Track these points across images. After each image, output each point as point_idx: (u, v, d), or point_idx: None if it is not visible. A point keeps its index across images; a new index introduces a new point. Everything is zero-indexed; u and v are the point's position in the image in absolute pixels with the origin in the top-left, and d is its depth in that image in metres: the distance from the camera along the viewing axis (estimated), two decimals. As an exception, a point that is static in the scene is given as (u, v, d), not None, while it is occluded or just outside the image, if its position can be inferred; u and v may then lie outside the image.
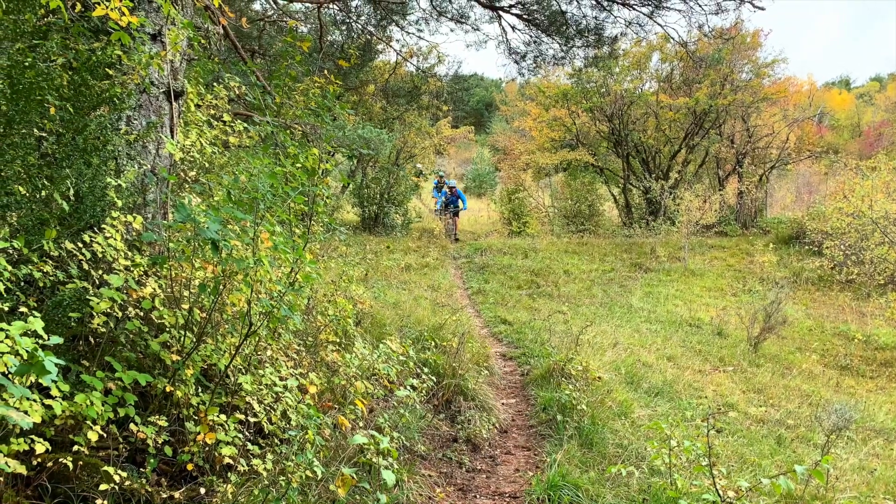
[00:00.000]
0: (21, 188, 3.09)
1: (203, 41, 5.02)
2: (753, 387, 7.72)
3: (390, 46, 14.12)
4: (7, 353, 2.24)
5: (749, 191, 20.20)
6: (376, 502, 2.07)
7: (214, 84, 6.16)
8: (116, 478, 2.61)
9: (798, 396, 7.52)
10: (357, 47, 12.64)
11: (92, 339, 3.13)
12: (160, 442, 2.97)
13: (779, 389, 7.71)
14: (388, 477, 1.74)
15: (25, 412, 2.38)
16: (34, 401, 2.42)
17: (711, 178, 22.40)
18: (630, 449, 4.47)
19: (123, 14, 3.29)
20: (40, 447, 2.46)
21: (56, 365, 2.00)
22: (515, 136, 28.96)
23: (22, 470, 2.38)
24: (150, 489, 2.91)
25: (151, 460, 2.95)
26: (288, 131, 5.21)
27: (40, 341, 2.15)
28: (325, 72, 7.33)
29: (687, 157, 21.62)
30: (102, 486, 2.59)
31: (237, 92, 6.60)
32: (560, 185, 23.84)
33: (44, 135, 3.25)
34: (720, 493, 2.53)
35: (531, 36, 10.61)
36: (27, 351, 2.25)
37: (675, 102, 19.99)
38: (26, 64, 2.92)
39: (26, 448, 2.43)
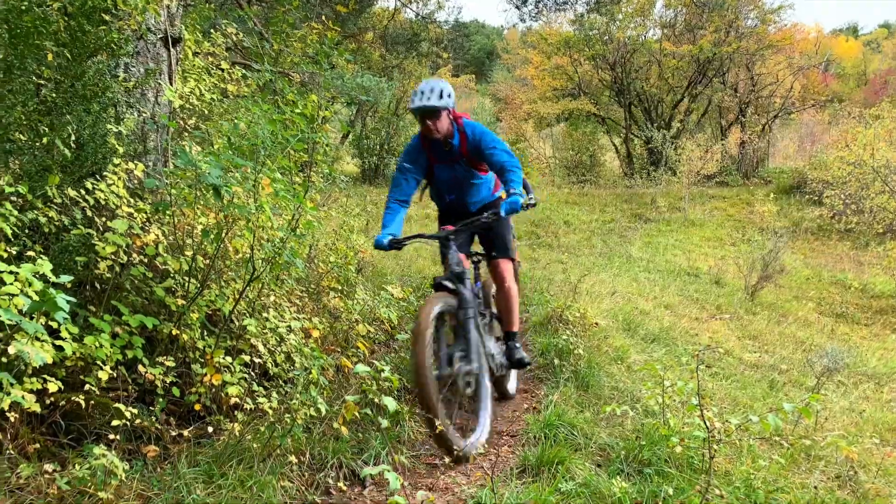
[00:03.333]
0: (22, 135, 3.11)
1: (199, -15, 4.95)
2: (749, 334, 7.84)
3: (389, -8, 13.84)
4: (17, 294, 2.31)
5: (751, 140, 20.05)
6: (377, 430, 2.18)
7: (212, 31, 6.09)
8: (128, 414, 2.71)
9: (792, 343, 7.64)
10: (355, -7, 12.40)
11: (98, 285, 3.20)
12: (168, 382, 3.06)
13: (774, 336, 7.83)
14: (389, 403, 1.83)
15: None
16: (45, 341, 2.50)
17: (714, 127, 22.22)
18: (625, 391, 4.58)
19: (118, -43, 3.25)
20: (53, 386, 2.55)
21: (67, 302, 2.05)
22: (517, 85, 28.60)
23: (36, 408, 2.48)
24: (159, 427, 3.02)
25: (160, 400, 3.05)
26: (286, 79, 5.18)
27: (51, 280, 2.21)
28: (324, 18, 7.23)
29: (689, 106, 21.40)
30: (114, 423, 2.69)
31: (234, 39, 6.52)
32: (561, 135, 23.66)
33: (42, 82, 3.25)
34: (707, 425, 2.63)
35: (532, -20, 10.39)
36: (37, 292, 2.32)
37: (679, 50, 19.68)
38: (23, 8, 2.90)
39: (39, 387, 2.52)
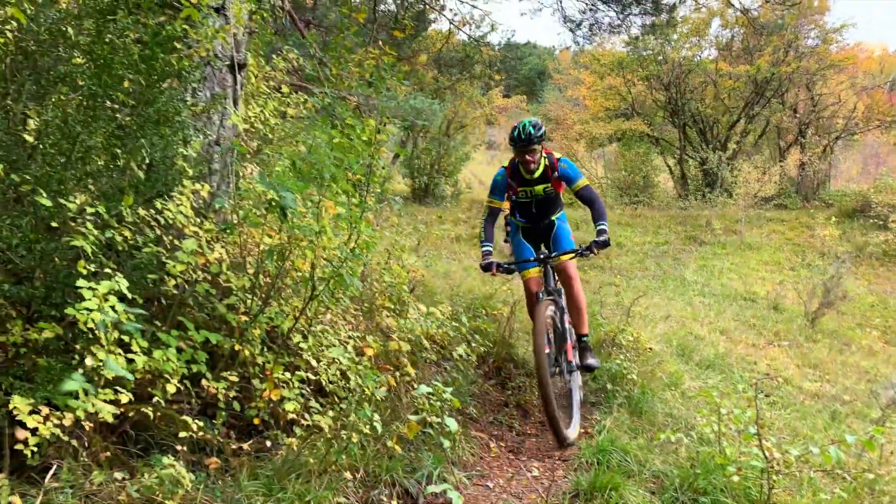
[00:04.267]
0: (99, 158, 3.29)
1: (266, 14, 5.13)
2: (809, 362, 7.60)
3: (443, 15, 14.06)
4: (95, 309, 2.45)
5: (812, 162, 19.48)
6: (438, 447, 2.21)
7: (273, 56, 6.30)
8: (194, 427, 2.81)
9: (856, 372, 7.38)
10: (410, 17, 12.62)
11: (164, 301, 3.33)
12: (230, 397, 3.16)
13: (836, 365, 7.57)
14: (451, 424, 1.87)
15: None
16: (118, 355, 2.63)
17: (772, 148, 21.68)
18: (679, 418, 4.51)
19: (191, -11, 3.43)
20: (124, 398, 2.67)
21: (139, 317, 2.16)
22: (568, 105, 28.50)
23: (109, 417, 2.60)
24: (221, 440, 3.12)
25: (222, 413, 3.15)
26: (344, 102, 5.32)
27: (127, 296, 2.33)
28: (380, 42, 7.40)
29: (746, 127, 20.97)
30: (182, 434, 2.80)
31: (294, 64, 6.73)
32: (614, 155, 23.46)
33: (116, 107, 3.43)
34: (766, 455, 2.57)
35: (587, 3, 10.45)
36: (112, 308, 2.45)
37: (735, 70, 19.35)
38: (106, 40, 3.09)
39: (112, 398, 2.64)
